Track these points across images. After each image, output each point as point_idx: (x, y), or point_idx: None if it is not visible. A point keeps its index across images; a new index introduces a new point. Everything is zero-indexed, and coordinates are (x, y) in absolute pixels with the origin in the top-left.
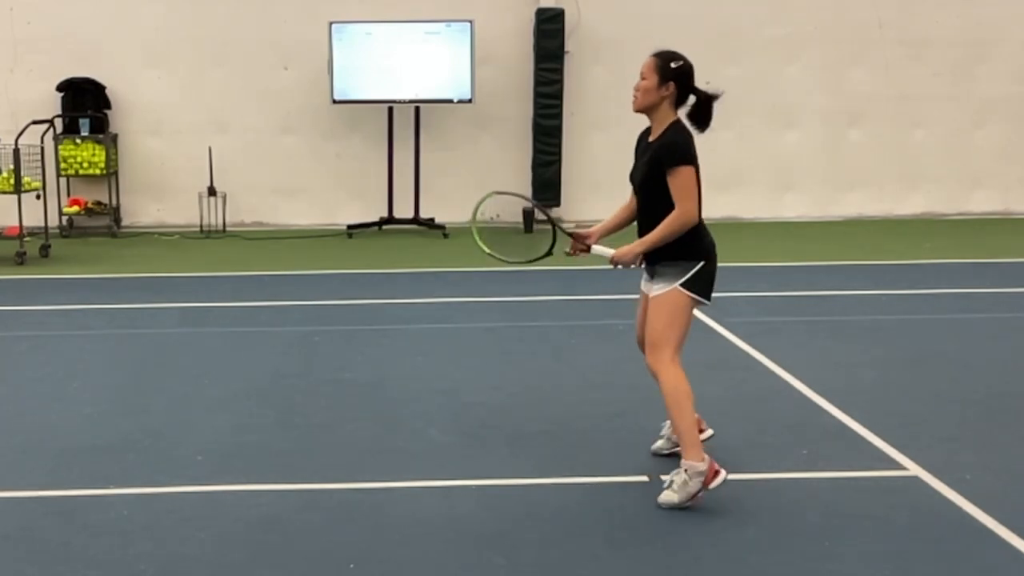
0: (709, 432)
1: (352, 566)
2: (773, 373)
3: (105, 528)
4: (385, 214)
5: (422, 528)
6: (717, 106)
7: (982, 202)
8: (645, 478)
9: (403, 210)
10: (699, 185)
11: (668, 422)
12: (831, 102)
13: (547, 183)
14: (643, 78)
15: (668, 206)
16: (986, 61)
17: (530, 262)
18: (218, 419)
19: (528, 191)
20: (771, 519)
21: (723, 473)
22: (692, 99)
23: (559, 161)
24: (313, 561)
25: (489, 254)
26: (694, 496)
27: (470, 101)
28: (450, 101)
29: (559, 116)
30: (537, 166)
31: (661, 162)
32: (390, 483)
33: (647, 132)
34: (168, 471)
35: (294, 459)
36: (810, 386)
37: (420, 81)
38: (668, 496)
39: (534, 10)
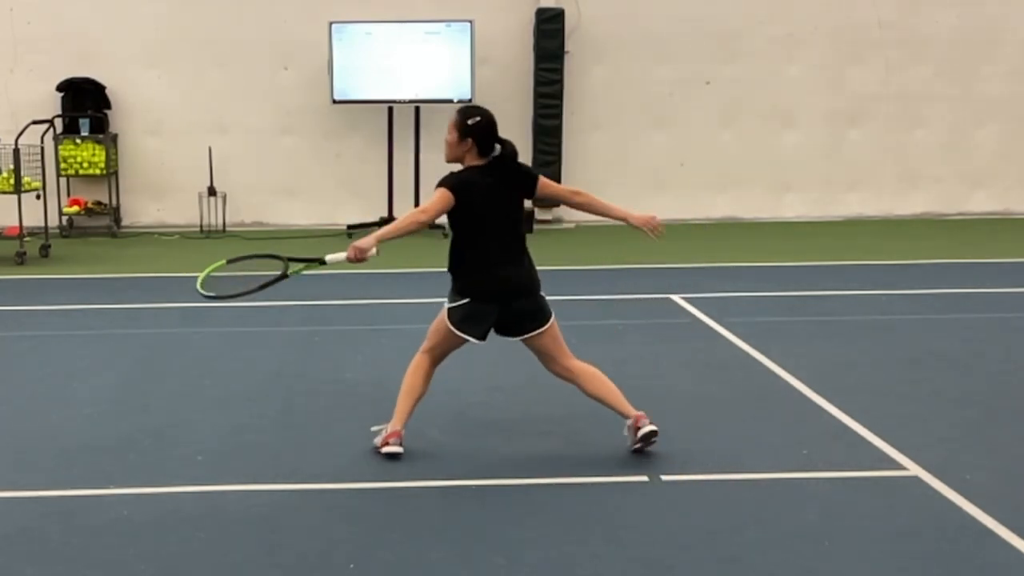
0: (653, 427)
1: (352, 566)
2: (773, 373)
3: (105, 528)
4: (385, 214)
5: (422, 528)
6: (717, 106)
7: (982, 202)
8: (645, 478)
9: (403, 210)
10: (471, 225)
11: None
12: (831, 102)
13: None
14: (448, 132)
15: (458, 233)
16: (986, 61)
17: (245, 293)
18: (218, 419)
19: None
20: (771, 519)
21: (395, 447)
22: (499, 149)
23: (559, 161)
24: (313, 561)
25: (206, 296)
26: (376, 448)
27: (470, 101)
28: (450, 101)
29: (559, 116)
30: (537, 166)
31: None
32: (390, 483)
33: None
34: (168, 471)
35: (294, 459)
36: (810, 386)
37: (420, 81)
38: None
39: (534, 10)
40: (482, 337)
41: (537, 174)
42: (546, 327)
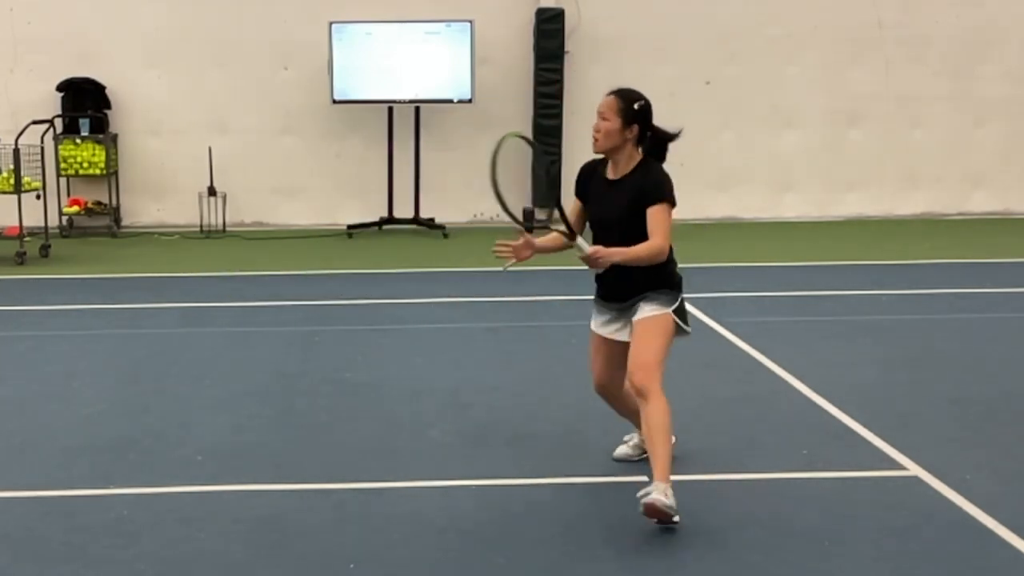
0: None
1: (352, 566)
2: (773, 373)
3: (105, 528)
4: (385, 214)
5: (422, 528)
6: (717, 106)
7: (982, 202)
8: (645, 478)
9: (403, 210)
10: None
11: (636, 434)
12: (831, 102)
13: (547, 183)
14: (604, 119)
15: (634, 243)
16: (986, 61)
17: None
18: (218, 419)
19: (528, 191)
20: (771, 519)
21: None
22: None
23: (559, 161)
24: (313, 561)
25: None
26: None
27: (470, 101)
28: (450, 101)
29: (559, 116)
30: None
31: (648, 199)
32: (390, 483)
33: (595, 168)
34: (168, 471)
35: (294, 459)
36: (810, 386)
37: (420, 81)
38: (667, 500)
39: (534, 10)
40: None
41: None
42: None
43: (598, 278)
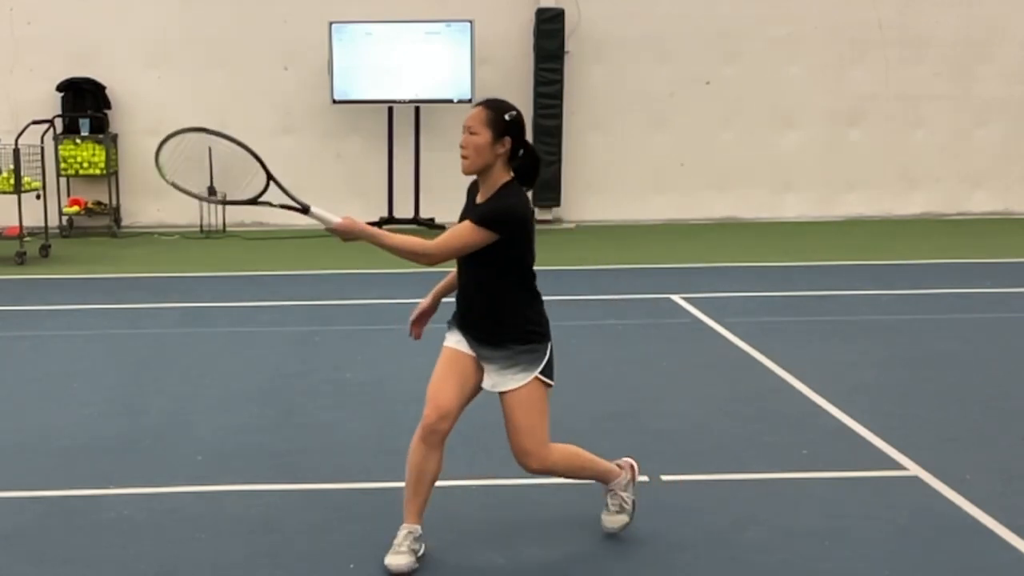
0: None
1: (352, 566)
2: (773, 373)
3: (105, 528)
4: (385, 214)
5: (422, 528)
6: (717, 106)
7: (982, 202)
8: (645, 478)
9: (403, 210)
10: (529, 255)
11: (405, 532)
12: (831, 102)
13: (547, 183)
14: (472, 132)
15: (491, 269)
16: (986, 61)
17: (224, 202)
18: (218, 419)
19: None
20: (771, 519)
21: (635, 464)
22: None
23: (559, 161)
24: (313, 561)
25: (170, 183)
26: (634, 505)
27: (470, 101)
28: (450, 101)
29: (559, 116)
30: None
31: (471, 216)
32: (390, 483)
33: (472, 190)
34: (168, 471)
35: (294, 459)
36: (810, 386)
37: (420, 81)
38: (619, 519)
39: (534, 10)
40: None
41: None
42: None
43: (457, 300)
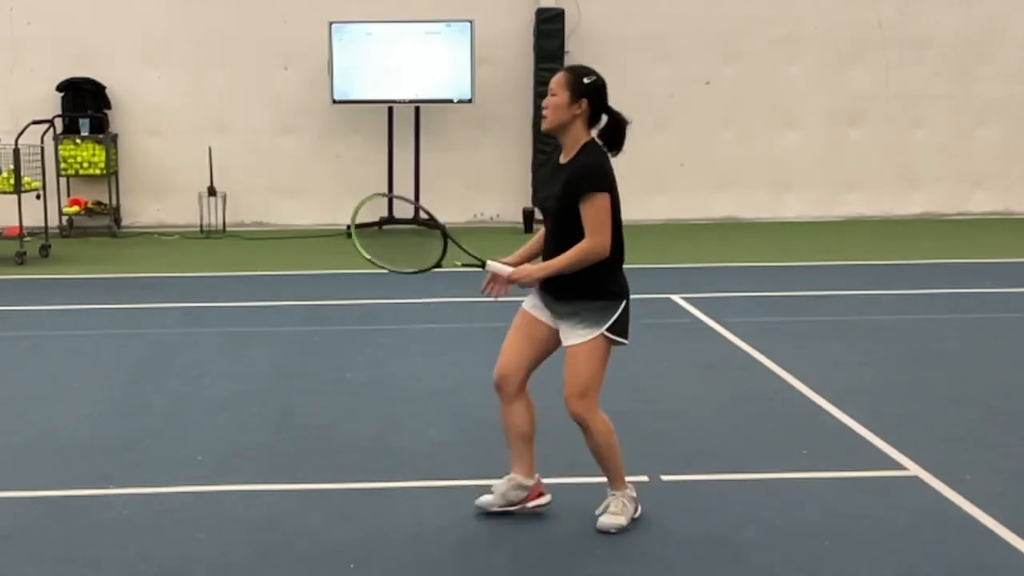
0: (547, 498)
1: (352, 566)
2: (773, 373)
3: (105, 528)
4: (385, 214)
5: (422, 528)
6: (717, 106)
7: (982, 202)
8: (645, 478)
9: (403, 210)
10: (617, 216)
11: (506, 480)
12: (831, 102)
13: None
14: (552, 94)
15: (580, 236)
16: (986, 61)
17: (417, 272)
18: (218, 419)
19: (528, 191)
20: (771, 519)
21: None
22: (604, 120)
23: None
24: (313, 561)
25: (369, 260)
26: (632, 518)
27: (470, 101)
28: (450, 101)
29: None
30: (537, 166)
31: (575, 187)
32: (390, 483)
33: (552, 154)
34: (168, 471)
35: (294, 459)
36: (810, 386)
37: (420, 81)
38: (614, 519)
39: (534, 10)
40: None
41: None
42: None
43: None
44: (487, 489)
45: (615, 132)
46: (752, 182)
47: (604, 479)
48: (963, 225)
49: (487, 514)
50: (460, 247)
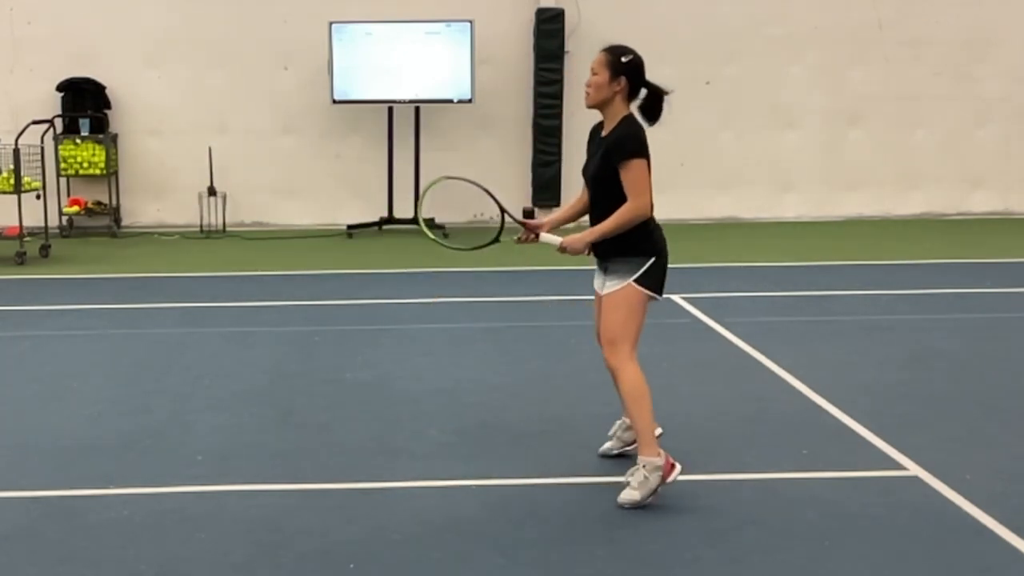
0: (659, 430)
1: (352, 566)
2: (773, 373)
3: (105, 528)
4: (385, 214)
5: (422, 528)
6: (717, 106)
7: (982, 202)
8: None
9: (403, 210)
10: (650, 179)
11: (618, 423)
12: (831, 102)
13: (547, 183)
14: (594, 73)
15: (620, 200)
16: (986, 61)
17: (476, 248)
18: (218, 419)
19: (528, 191)
20: (771, 519)
21: (678, 467)
22: (644, 93)
23: (559, 161)
24: (313, 561)
25: (433, 239)
26: (654, 491)
27: (470, 101)
28: (450, 101)
29: (559, 116)
30: (537, 166)
31: (613, 156)
32: (390, 483)
33: (599, 127)
34: (168, 471)
35: (294, 459)
36: (810, 386)
37: (420, 81)
38: (630, 494)
39: (534, 10)
40: (662, 293)
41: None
42: None
43: None
44: (487, 489)
45: (653, 103)
46: (752, 182)
47: (605, 479)
48: (963, 225)
49: (487, 514)
50: (516, 220)
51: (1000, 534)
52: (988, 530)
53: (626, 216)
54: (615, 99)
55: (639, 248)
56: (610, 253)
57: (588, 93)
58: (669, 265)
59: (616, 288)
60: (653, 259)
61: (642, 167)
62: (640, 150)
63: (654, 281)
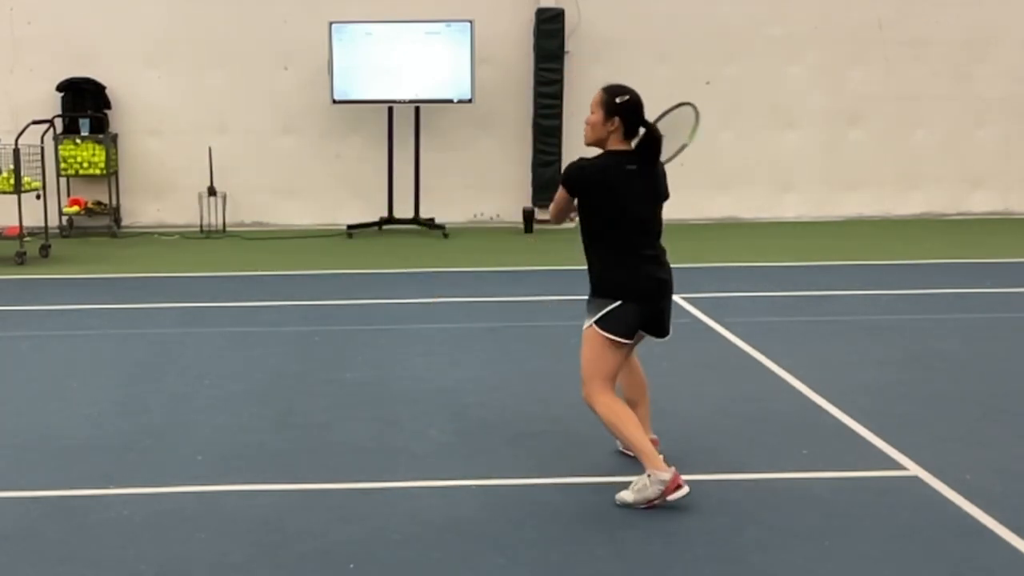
0: (652, 438)
1: (352, 566)
2: (773, 373)
3: (105, 528)
4: (385, 214)
5: (422, 528)
6: (717, 106)
7: (982, 202)
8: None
9: (403, 210)
10: (607, 218)
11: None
12: (831, 102)
13: (547, 183)
14: (592, 112)
15: (585, 234)
16: (986, 61)
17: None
18: (218, 419)
19: (528, 191)
20: (771, 519)
21: (685, 488)
22: (643, 131)
23: (559, 161)
24: (313, 561)
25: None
26: (650, 502)
27: (470, 101)
28: (450, 101)
29: (559, 116)
30: (537, 166)
31: None
32: (390, 483)
33: None
34: (168, 471)
35: (294, 459)
36: (810, 386)
37: (420, 81)
38: (623, 494)
39: (534, 10)
40: (630, 336)
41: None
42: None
43: None
44: (487, 489)
45: (647, 145)
46: (752, 182)
47: (605, 479)
48: (963, 225)
49: (487, 514)
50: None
51: (1000, 534)
52: (988, 530)
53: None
54: (610, 138)
55: (601, 289)
56: (589, 291)
57: (585, 132)
58: (672, 266)
59: (584, 325)
60: (619, 303)
61: (562, 191)
62: (566, 179)
63: (617, 325)
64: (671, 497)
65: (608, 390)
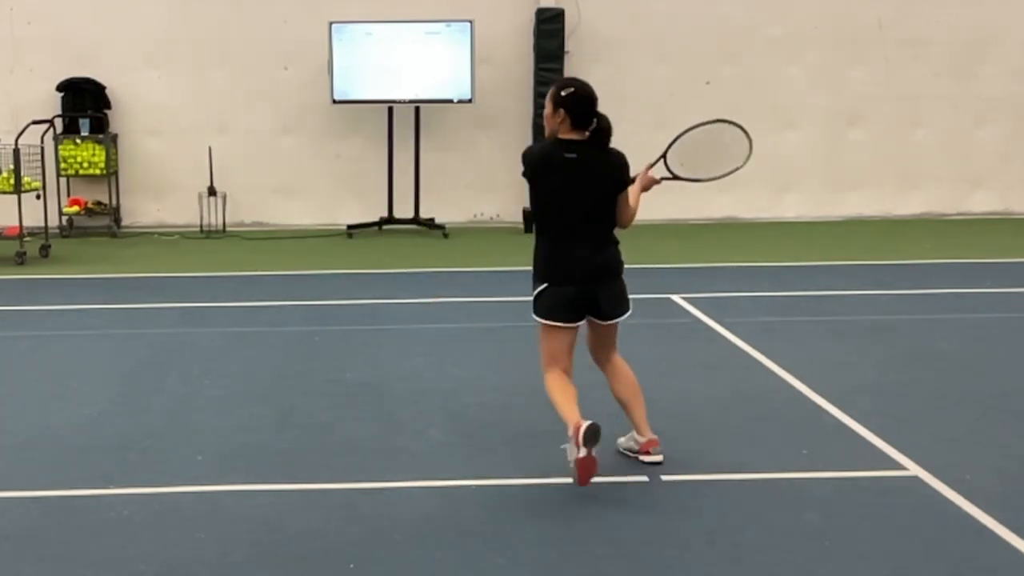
0: (659, 458)
1: (352, 566)
2: (773, 373)
3: (105, 528)
4: (385, 214)
5: (422, 528)
6: (717, 106)
7: (982, 202)
8: (645, 478)
9: (403, 210)
10: (543, 200)
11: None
12: (831, 102)
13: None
14: (545, 106)
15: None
16: (986, 61)
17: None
18: (218, 419)
19: (527, 191)
20: (771, 519)
21: (580, 428)
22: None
23: None
24: (313, 561)
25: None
26: (567, 452)
27: (470, 101)
28: (450, 101)
29: None
30: None
31: None
32: (390, 483)
33: None
34: (168, 471)
35: (294, 459)
36: (810, 386)
37: (420, 81)
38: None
39: (534, 10)
40: (569, 320)
41: (626, 163)
42: (626, 315)
43: None
44: (487, 489)
45: (598, 132)
46: (752, 182)
47: (605, 479)
48: (963, 225)
49: (487, 514)
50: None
51: (1000, 534)
52: (988, 530)
53: None
54: (560, 128)
55: (534, 272)
56: None
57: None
58: (669, 266)
59: None
60: (545, 285)
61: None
62: (525, 169)
63: (541, 308)
64: (577, 436)
65: (550, 368)
